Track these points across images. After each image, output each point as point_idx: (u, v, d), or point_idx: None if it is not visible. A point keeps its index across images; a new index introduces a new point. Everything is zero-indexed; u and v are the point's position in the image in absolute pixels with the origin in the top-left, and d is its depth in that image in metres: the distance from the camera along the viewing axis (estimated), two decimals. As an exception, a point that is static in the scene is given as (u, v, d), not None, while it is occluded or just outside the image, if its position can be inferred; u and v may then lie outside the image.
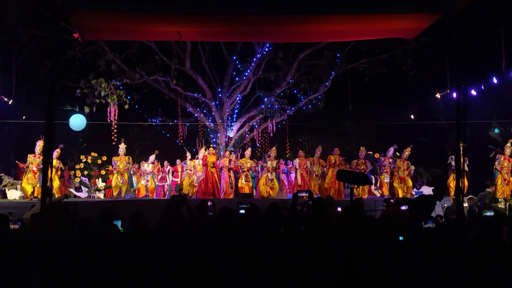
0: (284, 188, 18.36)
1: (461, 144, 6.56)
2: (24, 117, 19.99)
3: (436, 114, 21.06)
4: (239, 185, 17.40)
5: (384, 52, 20.61)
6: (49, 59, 17.44)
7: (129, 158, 17.74)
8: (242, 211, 6.98)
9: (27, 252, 5.02)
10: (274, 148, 17.92)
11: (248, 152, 18.00)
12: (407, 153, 17.71)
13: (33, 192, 16.00)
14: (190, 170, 18.22)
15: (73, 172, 18.72)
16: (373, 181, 18.23)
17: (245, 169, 17.44)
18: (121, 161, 17.35)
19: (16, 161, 17.10)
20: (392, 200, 10.41)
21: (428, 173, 21.25)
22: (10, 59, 18.84)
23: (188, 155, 19.12)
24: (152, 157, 18.43)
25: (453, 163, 17.45)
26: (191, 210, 6.73)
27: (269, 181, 17.31)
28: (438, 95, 20.57)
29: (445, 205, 13.05)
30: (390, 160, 17.77)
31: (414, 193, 18.15)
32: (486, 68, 17.25)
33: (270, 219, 6.56)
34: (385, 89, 21.60)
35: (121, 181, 17.17)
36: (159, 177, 18.96)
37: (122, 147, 17.51)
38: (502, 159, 16.22)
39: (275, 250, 5.19)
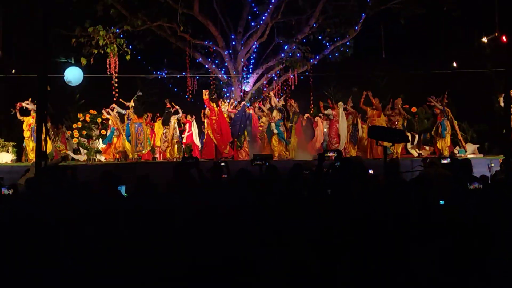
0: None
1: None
2: (13, 71, 20.07)
3: (482, 61, 20.69)
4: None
5: (422, -11, 20.24)
6: (39, 4, 17.41)
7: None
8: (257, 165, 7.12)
9: (21, 220, 5.10)
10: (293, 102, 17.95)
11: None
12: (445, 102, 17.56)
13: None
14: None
15: (70, 132, 18.86)
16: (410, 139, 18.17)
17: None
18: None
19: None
20: (428, 160, 10.36)
21: (472, 129, 21.03)
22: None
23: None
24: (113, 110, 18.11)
25: None
26: (202, 173, 6.79)
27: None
28: (484, 39, 20.18)
29: (492, 164, 12.95)
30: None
31: (456, 151, 18.05)
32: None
33: (292, 181, 6.57)
34: (423, 33, 21.24)
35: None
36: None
37: (131, 101, 17.58)
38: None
39: (297, 214, 5.22)
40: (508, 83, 6.25)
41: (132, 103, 17.67)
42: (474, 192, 5.72)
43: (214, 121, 17.12)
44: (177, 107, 18.48)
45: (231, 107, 18.08)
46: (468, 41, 21.52)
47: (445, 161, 8.12)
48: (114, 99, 18.12)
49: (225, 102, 18.47)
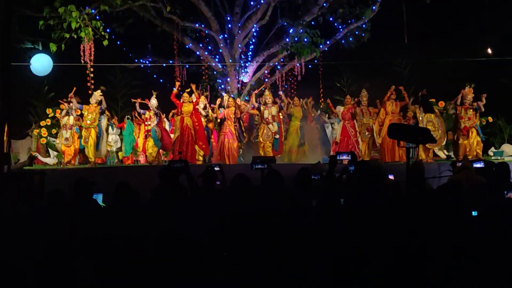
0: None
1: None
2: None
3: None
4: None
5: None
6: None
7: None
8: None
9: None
10: (267, 92, 17.77)
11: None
12: (469, 96, 17.31)
13: None
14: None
15: (38, 131, 18.83)
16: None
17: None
18: (89, 111, 17.16)
19: None
20: (458, 164, 10.36)
21: (511, 127, 21.05)
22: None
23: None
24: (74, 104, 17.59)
25: None
26: (193, 180, 6.79)
27: (267, 137, 17.33)
28: (526, 21, 20.19)
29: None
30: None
31: (492, 153, 18.05)
32: None
33: (299, 189, 6.57)
34: (453, 14, 21.22)
35: (85, 140, 17.05)
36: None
37: (96, 94, 17.29)
38: None
39: (305, 230, 5.21)
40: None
41: (99, 98, 17.43)
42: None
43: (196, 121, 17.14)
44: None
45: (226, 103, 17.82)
46: (507, 24, 21.50)
47: (478, 165, 8.11)
48: (90, 91, 18.07)
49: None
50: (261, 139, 17.31)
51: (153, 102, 17.55)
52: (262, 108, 17.32)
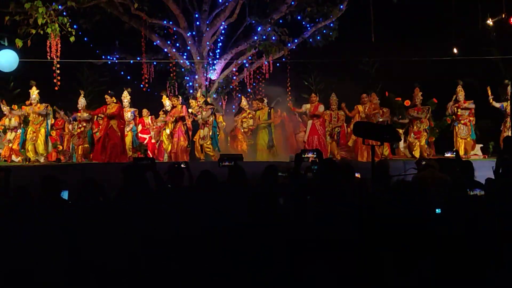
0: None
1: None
2: None
3: (487, 47, 20.90)
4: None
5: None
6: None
7: (46, 106, 17.44)
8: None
9: None
10: (199, 94, 17.98)
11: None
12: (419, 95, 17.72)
13: None
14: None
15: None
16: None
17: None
18: (33, 111, 17.20)
19: None
20: (423, 162, 10.49)
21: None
22: None
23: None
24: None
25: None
26: (159, 177, 6.78)
27: (200, 140, 17.42)
28: (490, 22, 20.38)
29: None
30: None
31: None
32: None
33: (265, 186, 6.58)
34: (419, 14, 21.36)
35: (33, 139, 17.02)
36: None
37: (33, 91, 17.25)
38: None
39: (272, 227, 5.21)
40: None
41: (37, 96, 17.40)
42: (475, 200, 5.77)
43: None
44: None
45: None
46: (471, 24, 21.72)
47: (449, 155, 8.17)
48: (56, 88, 17.94)
49: None
50: (197, 141, 17.42)
51: (82, 101, 17.62)
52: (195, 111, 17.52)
